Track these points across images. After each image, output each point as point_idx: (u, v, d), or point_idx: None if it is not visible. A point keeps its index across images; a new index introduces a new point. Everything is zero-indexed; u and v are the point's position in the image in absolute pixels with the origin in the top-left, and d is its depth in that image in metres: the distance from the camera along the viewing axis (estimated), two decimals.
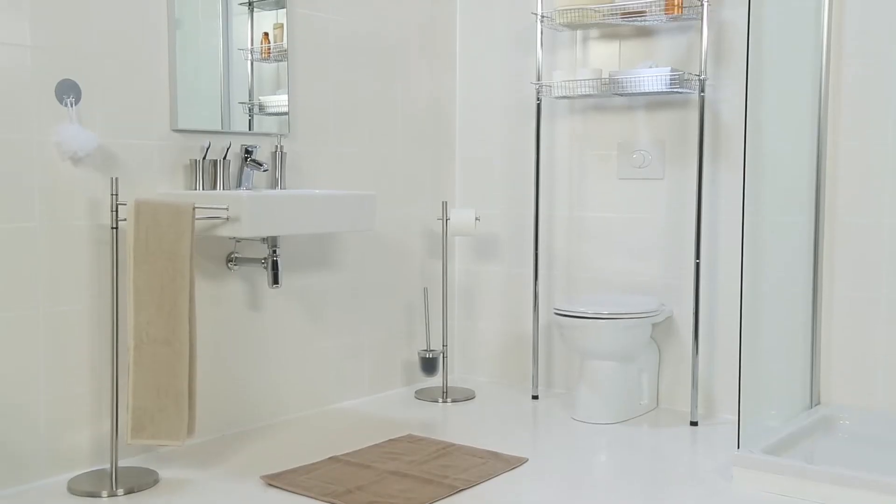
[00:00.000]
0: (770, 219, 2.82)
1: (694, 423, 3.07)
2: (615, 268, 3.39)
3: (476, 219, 3.44)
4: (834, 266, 2.95)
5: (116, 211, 2.45)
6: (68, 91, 2.44)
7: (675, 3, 3.04)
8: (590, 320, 2.98)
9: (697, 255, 3.06)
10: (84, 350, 2.52)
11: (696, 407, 3.09)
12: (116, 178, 2.46)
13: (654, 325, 3.20)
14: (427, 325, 3.52)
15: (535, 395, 3.45)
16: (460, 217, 3.44)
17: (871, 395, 2.90)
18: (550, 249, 3.54)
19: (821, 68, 2.91)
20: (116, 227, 2.45)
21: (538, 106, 3.39)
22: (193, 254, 2.45)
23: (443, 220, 3.46)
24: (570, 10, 3.17)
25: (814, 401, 2.98)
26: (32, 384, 2.42)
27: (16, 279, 2.37)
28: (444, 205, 3.46)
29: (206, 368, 2.83)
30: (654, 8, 3.07)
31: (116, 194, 2.45)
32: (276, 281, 2.85)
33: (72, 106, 2.44)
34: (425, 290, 3.56)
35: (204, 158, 2.75)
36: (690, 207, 3.18)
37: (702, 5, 3.00)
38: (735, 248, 3.08)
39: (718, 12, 3.08)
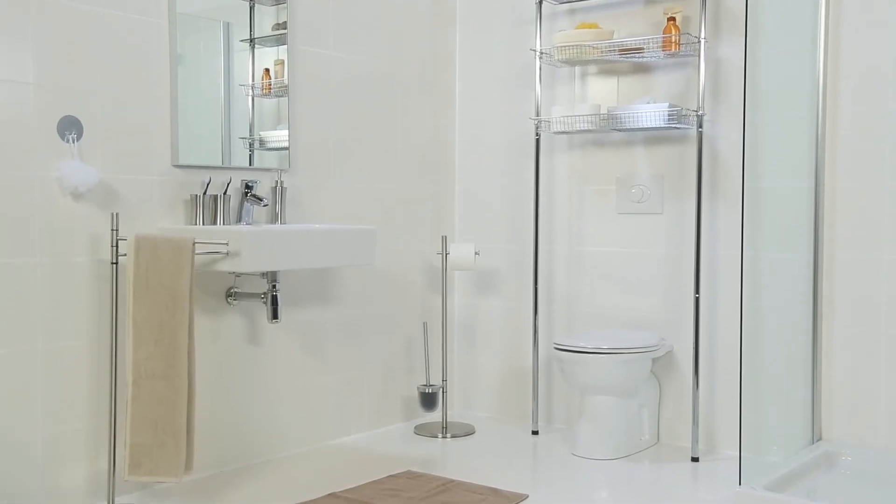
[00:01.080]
0: (769, 254, 2.82)
1: (695, 459, 3.05)
2: (615, 302, 3.39)
3: (476, 253, 3.44)
4: (834, 302, 2.95)
5: (116, 246, 2.45)
6: (70, 127, 2.46)
7: (673, 40, 3.07)
8: (590, 355, 2.97)
9: (697, 290, 3.07)
10: (82, 386, 2.51)
11: (697, 442, 3.08)
12: (117, 214, 2.47)
13: (654, 359, 3.19)
14: (426, 359, 3.51)
15: (536, 430, 3.44)
16: (460, 252, 3.44)
17: (873, 430, 2.89)
18: (550, 284, 3.54)
19: (817, 106, 2.93)
20: (116, 263, 2.45)
21: (537, 141, 3.41)
22: (193, 289, 2.45)
23: (442, 254, 3.46)
24: (569, 46, 3.20)
25: (815, 436, 2.96)
26: (30, 420, 2.41)
27: (15, 315, 2.37)
28: (444, 239, 3.47)
29: (205, 404, 2.82)
30: (651, 45, 3.10)
31: (117, 230, 2.45)
32: (275, 316, 2.84)
33: (73, 142, 2.46)
34: (425, 324, 3.55)
35: (204, 193, 2.76)
36: (689, 242, 3.18)
37: (699, 42, 3.03)
38: (734, 282, 3.08)
39: (715, 49, 3.11)
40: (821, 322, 2.97)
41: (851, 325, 2.92)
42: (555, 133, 3.38)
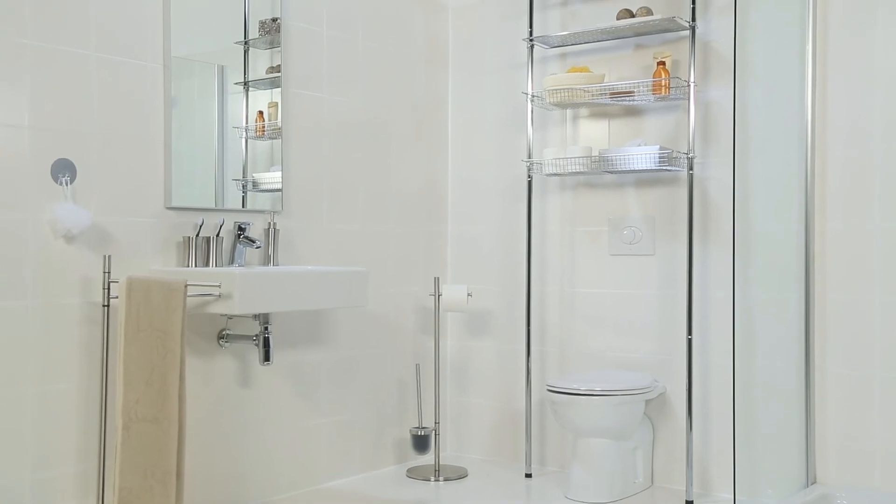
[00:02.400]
0: (760, 295, 2.83)
1: (690, 502, 3.03)
2: (607, 344, 3.39)
3: (468, 295, 3.44)
4: (826, 343, 2.96)
5: (108, 289, 2.45)
6: (64, 170, 2.46)
7: (663, 83, 3.10)
8: (583, 397, 2.96)
9: (689, 331, 3.07)
10: (71, 429, 2.49)
11: (692, 485, 3.05)
12: (109, 256, 2.46)
13: (647, 401, 3.18)
14: (419, 402, 3.49)
15: (529, 473, 3.41)
16: (452, 293, 3.44)
17: (868, 473, 2.87)
18: (543, 325, 3.54)
19: (806, 148, 2.96)
20: (108, 305, 2.44)
21: (529, 183, 3.43)
22: (185, 331, 2.45)
23: (435, 295, 3.46)
24: (560, 90, 3.24)
25: (809, 479, 2.94)
26: (19, 463, 2.38)
27: (5, 357, 2.35)
28: (437, 280, 3.47)
29: (196, 447, 2.79)
30: (642, 88, 3.13)
31: (109, 272, 2.45)
32: (267, 358, 2.83)
33: (67, 184, 2.46)
34: (417, 366, 3.54)
35: (197, 235, 2.76)
36: (681, 283, 3.19)
37: (688, 86, 3.07)
38: (727, 324, 3.08)
39: (705, 93, 3.15)
40: (813, 363, 2.96)
41: (844, 367, 2.92)
42: (547, 175, 3.40)
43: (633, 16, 3.20)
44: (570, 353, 3.48)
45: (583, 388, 2.97)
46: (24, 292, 2.39)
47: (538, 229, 3.54)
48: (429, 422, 3.54)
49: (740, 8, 2.66)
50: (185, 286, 2.44)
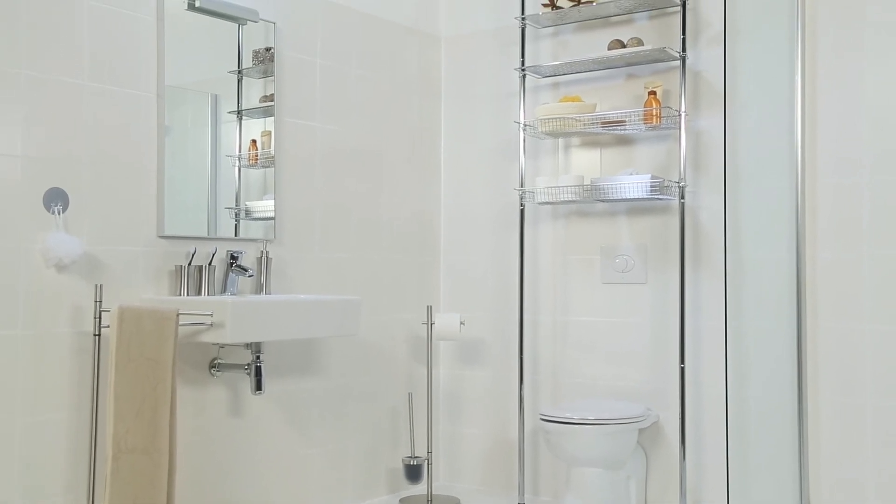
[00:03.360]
0: (752, 324, 2.84)
1: None
2: (600, 372, 3.38)
3: (461, 323, 3.44)
4: (818, 371, 2.96)
5: (100, 318, 2.44)
6: (56, 199, 2.46)
7: (654, 113, 3.13)
8: (576, 426, 2.95)
9: (682, 360, 3.06)
10: (61, 460, 2.47)
11: None
12: (100, 285, 2.46)
13: (640, 430, 3.17)
14: (411, 431, 3.48)
15: (522, 502, 3.39)
16: (445, 321, 3.44)
17: (861, 501, 2.86)
18: (535, 354, 3.53)
19: (796, 177, 2.98)
20: (99, 335, 2.43)
21: (522, 211, 3.44)
22: (176, 360, 2.43)
23: (427, 324, 3.46)
24: (552, 119, 3.25)
25: None
26: (8, 494, 2.35)
27: None
28: (429, 309, 3.46)
29: (186, 478, 2.77)
30: (633, 118, 3.15)
31: (100, 301, 2.44)
32: (258, 387, 2.82)
33: (59, 213, 2.46)
34: (410, 395, 3.52)
35: (189, 264, 2.75)
36: (674, 311, 3.19)
37: (679, 116, 3.09)
38: (719, 352, 3.08)
39: (695, 122, 3.17)
40: (806, 391, 2.96)
41: (837, 395, 2.92)
42: (539, 203, 3.41)
43: (623, 46, 3.22)
44: (563, 381, 3.47)
45: (576, 417, 2.96)
46: (15, 322, 2.37)
47: (530, 258, 3.54)
48: (421, 451, 3.52)
49: (730, 39, 2.70)
50: (177, 315, 2.43)
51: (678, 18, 3.15)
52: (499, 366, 3.63)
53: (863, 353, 2.88)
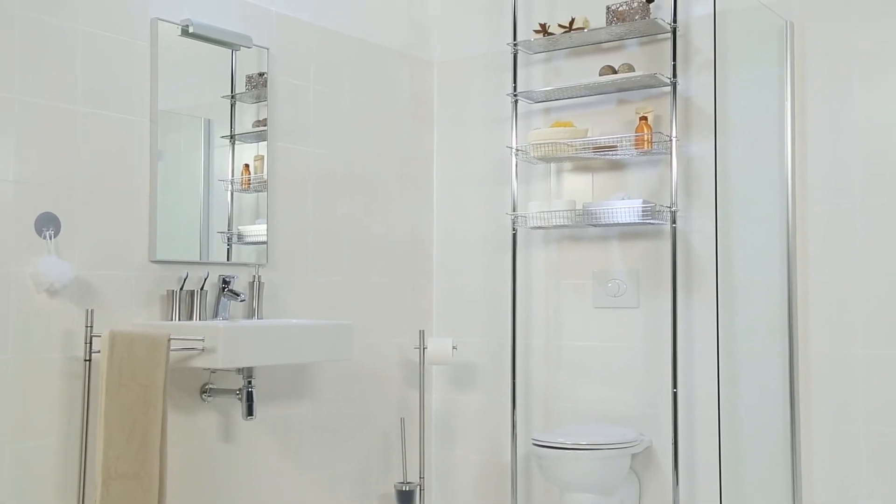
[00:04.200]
0: (745, 348, 2.84)
1: None
2: (593, 397, 3.37)
3: (453, 348, 3.43)
4: (811, 396, 2.96)
5: (90, 343, 2.43)
6: (48, 224, 2.46)
7: (645, 138, 3.14)
8: (569, 451, 2.94)
9: (675, 385, 3.06)
10: (50, 486, 2.44)
11: None
12: (92, 310, 2.45)
13: (633, 455, 3.16)
14: (403, 456, 3.46)
15: None
16: (438, 346, 3.43)
17: None
18: (528, 378, 3.53)
19: (787, 201, 3.00)
20: (90, 360, 2.42)
21: (514, 236, 3.44)
22: (167, 386, 2.42)
23: (420, 348, 3.45)
24: (544, 144, 3.27)
25: None
26: None
27: None
28: (422, 333, 3.46)
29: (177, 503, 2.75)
30: (624, 143, 3.17)
31: (91, 326, 2.43)
32: (250, 412, 2.80)
33: (50, 238, 2.45)
34: (402, 420, 3.51)
35: (181, 289, 2.75)
36: (666, 336, 3.19)
37: (670, 141, 3.11)
38: (712, 376, 3.08)
39: (687, 147, 3.19)
40: (799, 417, 2.96)
41: (829, 420, 2.92)
42: (531, 228, 3.42)
43: (615, 72, 3.25)
44: (556, 406, 3.46)
45: (568, 443, 2.95)
46: (5, 347, 2.36)
47: (523, 282, 3.55)
48: (413, 476, 3.50)
49: (720, 65, 2.72)
50: (169, 340, 2.42)
51: (669, 45, 3.18)
52: (491, 390, 3.62)
53: (855, 377, 2.88)
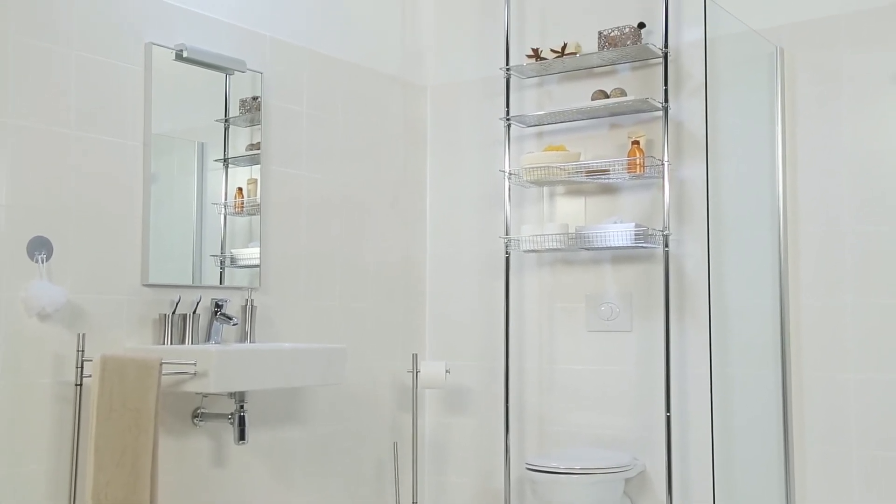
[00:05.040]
0: (738, 372, 2.84)
1: None
2: (586, 421, 3.37)
3: (446, 371, 3.42)
4: (804, 420, 2.96)
5: (81, 367, 2.41)
6: (40, 248, 2.45)
7: (637, 162, 3.16)
8: (562, 475, 2.93)
9: (668, 408, 3.06)
10: None
11: None
12: (83, 335, 2.44)
13: (627, 479, 3.15)
14: (396, 481, 3.44)
15: None
16: (431, 370, 3.42)
17: None
18: (521, 402, 3.52)
19: (778, 225, 3.01)
20: (81, 384, 2.41)
21: (507, 259, 3.45)
22: (159, 410, 2.41)
23: (413, 372, 3.44)
24: (537, 168, 3.28)
25: None
26: None
27: None
28: (415, 357, 3.45)
29: None
30: (617, 167, 3.19)
31: (82, 350, 2.42)
32: (242, 437, 2.79)
33: (43, 262, 2.45)
34: (395, 444, 3.49)
35: (174, 313, 2.74)
36: (659, 359, 3.19)
37: (662, 165, 3.12)
38: (705, 400, 3.07)
39: (679, 171, 3.20)
40: (792, 440, 2.96)
41: (822, 444, 2.92)
42: (524, 251, 3.43)
43: (607, 96, 3.27)
44: (549, 429, 3.45)
45: (562, 467, 2.94)
46: None
47: (516, 305, 3.55)
48: (407, 501, 3.48)
49: (711, 90, 2.74)
50: (160, 364, 2.41)
51: (660, 70, 3.20)
52: (485, 414, 3.61)
53: (848, 401, 2.89)
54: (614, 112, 3.28)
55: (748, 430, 2.88)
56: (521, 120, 3.46)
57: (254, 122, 3.09)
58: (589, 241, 3.19)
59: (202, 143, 2.95)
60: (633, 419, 3.27)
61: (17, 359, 2.39)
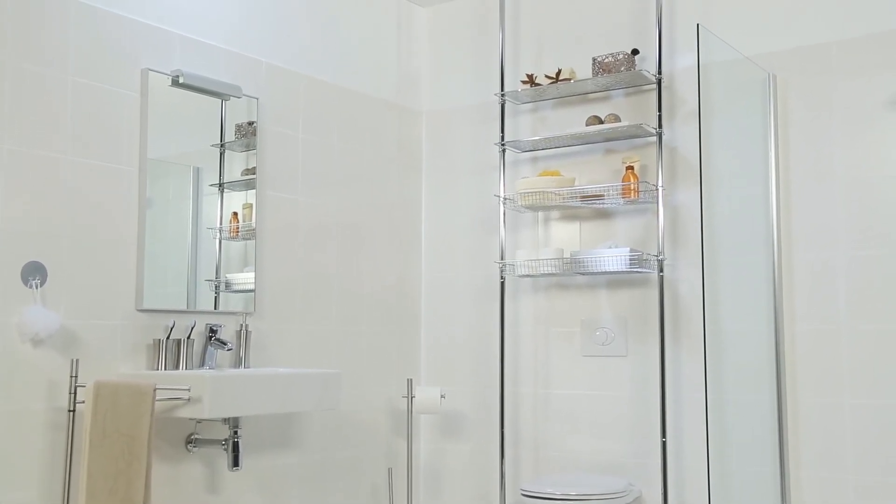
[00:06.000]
0: (733, 397, 2.83)
1: None
2: (582, 446, 3.35)
3: (441, 396, 3.41)
4: (799, 445, 2.95)
5: (75, 393, 2.40)
6: (34, 273, 2.45)
7: (632, 187, 3.17)
8: (558, 501, 2.91)
9: (664, 434, 3.05)
10: None
11: None
12: (77, 360, 2.43)
13: None
14: None
15: None
16: (426, 395, 3.41)
17: None
18: (516, 427, 3.50)
19: (772, 251, 3.02)
20: (74, 410, 2.39)
21: (502, 284, 3.45)
22: (152, 437, 2.39)
23: (408, 397, 3.43)
24: (532, 192, 3.29)
25: None
26: None
27: None
28: (410, 382, 3.44)
29: None
30: (611, 192, 3.20)
31: (76, 376, 2.41)
32: (236, 463, 2.77)
33: (37, 287, 2.44)
34: (390, 470, 3.47)
35: (168, 338, 2.73)
36: (654, 385, 3.19)
37: (657, 190, 3.14)
38: (700, 425, 3.07)
39: (673, 196, 3.22)
40: (788, 465, 2.95)
41: (818, 470, 2.91)
42: (519, 276, 3.43)
43: (601, 122, 3.29)
44: (545, 455, 3.43)
45: (557, 493, 2.92)
46: None
47: (511, 330, 3.54)
48: None
49: (704, 116, 2.76)
50: (154, 390, 2.40)
51: (654, 96, 3.22)
52: (480, 439, 3.59)
53: (843, 426, 2.88)
54: (609, 137, 3.30)
55: (744, 455, 2.87)
56: (516, 145, 3.47)
57: (249, 147, 3.10)
58: (584, 266, 3.19)
59: (198, 168, 2.96)
60: (628, 444, 3.26)
61: (10, 384, 2.38)
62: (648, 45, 3.27)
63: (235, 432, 2.78)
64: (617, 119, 3.25)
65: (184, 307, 2.85)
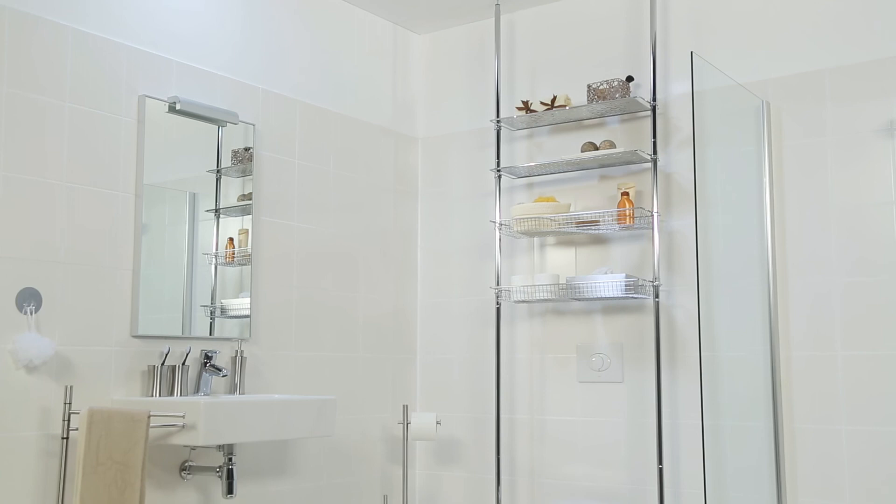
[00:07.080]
0: (729, 424, 2.83)
1: None
2: (578, 473, 3.34)
3: (437, 423, 3.40)
4: (796, 472, 2.94)
5: (68, 420, 2.39)
6: (29, 299, 2.44)
7: (627, 213, 3.18)
8: None
9: (660, 461, 3.04)
10: None
11: None
12: (70, 387, 2.42)
13: None
14: None
15: None
16: (421, 421, 3.40)
17: None
18: (512, 454, 3.49)
19: (768, 276, 3.02)
20: (67, 438, 2.38)
21: (498, 310, 3.44)
22: (146, 464, 2.38)
23: (404, 423, 3.41)
24: (528, 218, 3.30)
25: None
26: None
27: None
28: (405, 408, 3.43)
29: None
30: (607, 218, 3.20)
31: (70, 403, 2.40)
32: (230, 491, 2.75)
33: (31, 314, 2.43)
34: (385, 497, 3.45)
35: (162, 364, 2.72)
36: (651, 411, 3.18)
37: (652, 216, 3.14)
38: (697, 451, 3.06)
39: (668, 222, 3.22)
40: (785, 493, 2.94)
41: (815, 497, 2.90)
42: (515, 302, 3.43)
43: (596, 148, 3.30)
44: (541, 482, 3.42)
45: None
46: None
47: (507, 356, 3.53)
48: None
49: (699, 142, 2.77)
50: (148, 417, 2.39)
51: (649, 122, 3.24)
52: (476, 466, 3.57)
53: (840, 452, 2.87)
54: (604, 164, 3.31)
55: (741, 482, 2.85)
56: (512, 171, 3.48)
57: (245, 173, 3.11)
58: (580, 292, 3.19)
59: (194, 194, 2.96)
60: (624, 471, 3.24)
61: (3, 411, 2.36)
62: (643, 73, 3.30)
63: (230, 459, 2.76)
64: (612, 145, 3.27)
65: (179, 333, 2.84)
